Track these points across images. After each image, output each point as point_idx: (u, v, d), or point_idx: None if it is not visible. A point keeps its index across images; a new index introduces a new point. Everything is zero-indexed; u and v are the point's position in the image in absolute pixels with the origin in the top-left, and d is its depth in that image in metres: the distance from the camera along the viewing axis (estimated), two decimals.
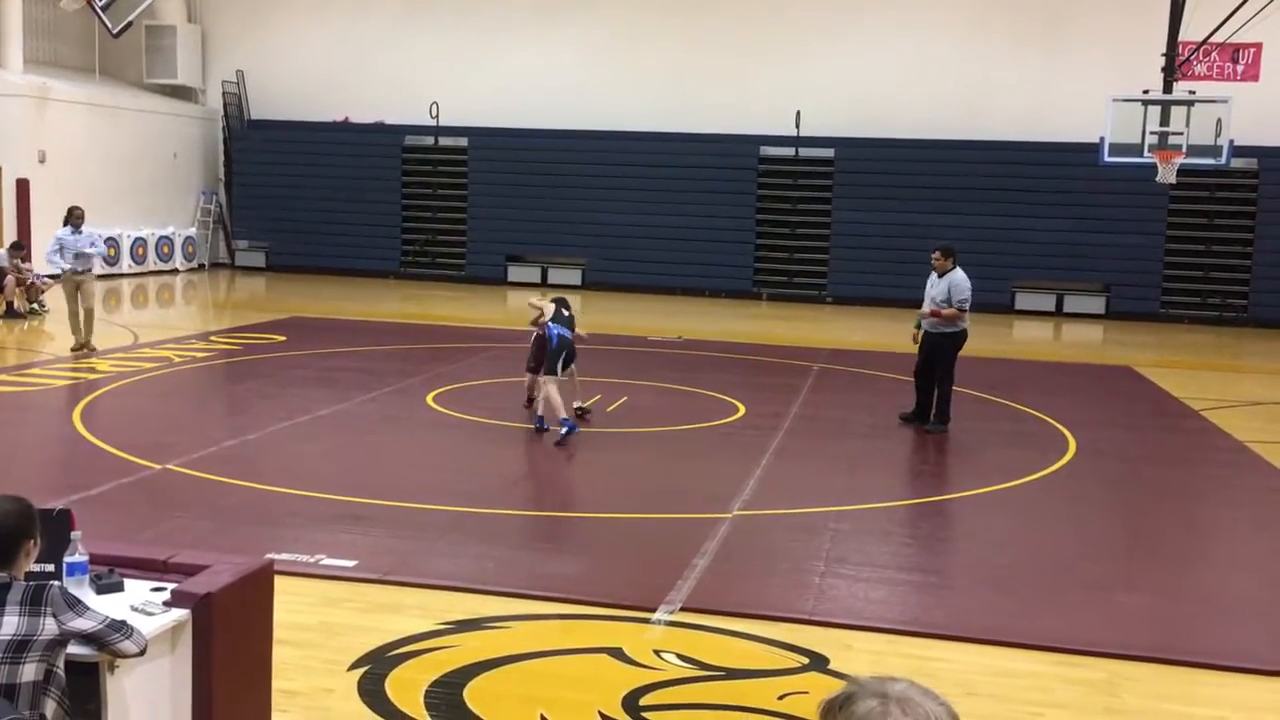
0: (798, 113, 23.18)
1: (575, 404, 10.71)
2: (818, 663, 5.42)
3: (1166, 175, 16.44)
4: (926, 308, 10.92)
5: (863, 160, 23.35)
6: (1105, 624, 6.10)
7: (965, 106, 22.94)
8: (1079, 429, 11.25)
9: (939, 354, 10.89)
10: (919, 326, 11.12)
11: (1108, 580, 6.94)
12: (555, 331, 10.40)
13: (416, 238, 25.79)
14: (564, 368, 10.37)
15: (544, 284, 24.83)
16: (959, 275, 10.76)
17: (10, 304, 16.99)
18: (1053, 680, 5.36)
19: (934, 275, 10.92)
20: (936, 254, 10.91)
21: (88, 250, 13.88)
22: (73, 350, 13.58)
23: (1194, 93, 16.69)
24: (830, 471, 9.46)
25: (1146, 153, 16.36)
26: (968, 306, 10.77)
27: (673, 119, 23.96)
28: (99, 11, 18.51)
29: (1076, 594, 6.62)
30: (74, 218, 14.01)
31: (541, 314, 10.79)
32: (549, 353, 10.29)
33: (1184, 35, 17.02)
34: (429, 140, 25.52)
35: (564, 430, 9.89)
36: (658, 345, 16.41)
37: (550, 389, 10.09)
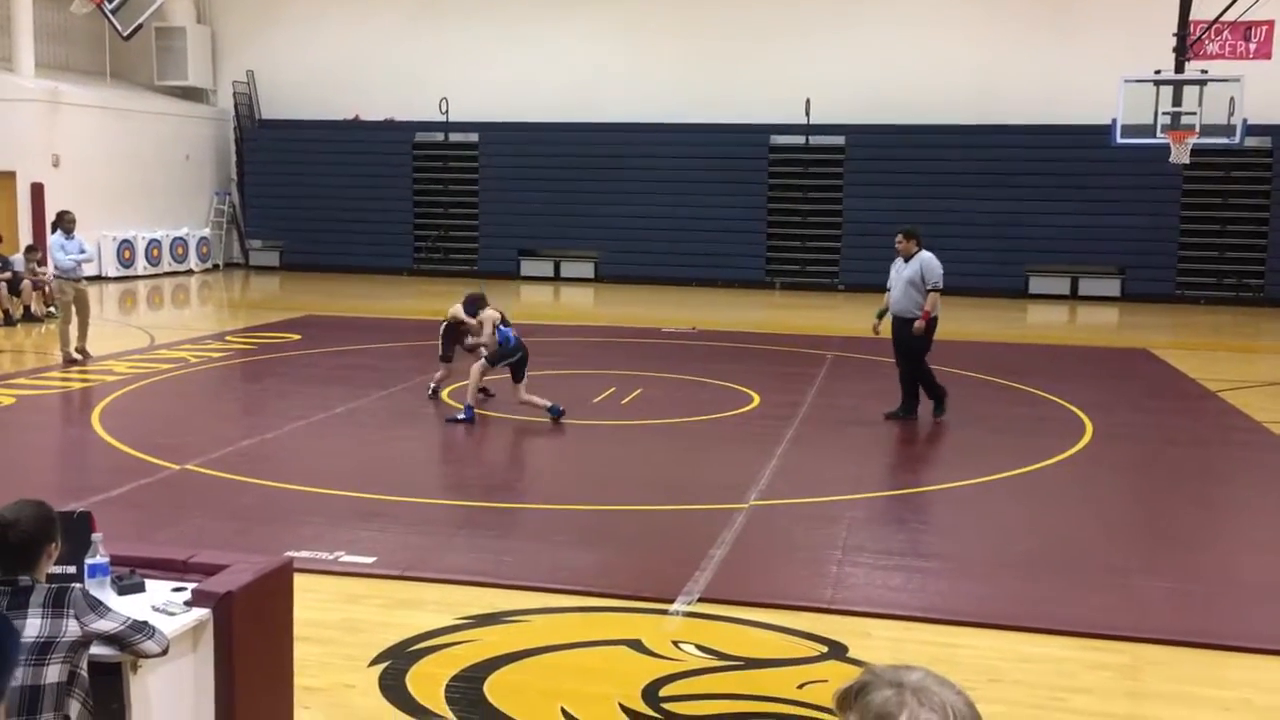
0: (807, 101, 23.10)
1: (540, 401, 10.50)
2: (837, 651, 5.42)
3: (1180, 156, 16.33)
4: (897, 293, 10.55)
5: (874, 147, 23.27)
6: (1127, 608, 6.09)
7: (976, 91, 22.83)
8: (1095, 412, 11.20)
9: (918, 340, 10.51)
10: (881, 317, 10.84)
11: (1128, 564, 6.92)
12: (510, 333, 10.55)
13: (429, 234, 25.84)
14: (518, 380, 10.46)
15: (557, 276, 24.85)
16: (928, 255, 10.44)
17: (27, 308, 17.08)
18: (1076, 665, 5.35)
19: (899, 260, 10.61)
20: (900, 238, 10.63)
21: (78, 257, 13.35)
22: (65, 362, 13.08)
23: (1206, 72, 16.57)
24: (846, 460, 9.44)
25: (1159, 133, 16.26)
26: (941, 285, 10.48)
27: (682, 110, 23.92)
28: (109, 15, 18.58)
29: (1097, 578, 6.60)
30: (65, 223, 13.51)
31: (479, 327, 10.77)
32: (502, 352, 10.42)
33: (1195, 14, 16.90)
34: (439, 136, 25.54)
35: (462, 416, 10.21)
36: (671, 336, 16.40)
37: (476, 371, 10.35)
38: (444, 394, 11.51)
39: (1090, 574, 6.67)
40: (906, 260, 10.54)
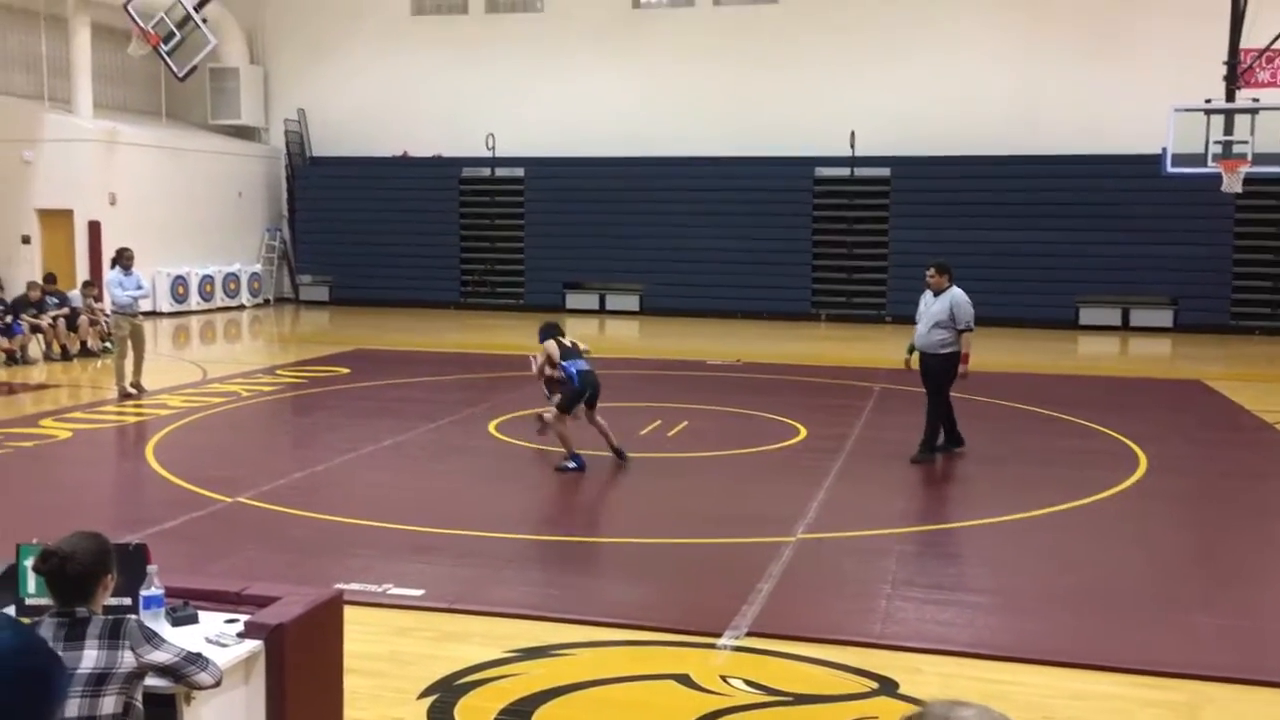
0: (852, 133, 23.10)
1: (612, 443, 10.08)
2: (887, 687, 5.36)
3: (1233, 185, 16.15)
4: (923, 328, 10.27)
5: (919, 179, 23.20)
6: (1184, 644, 5.97)
7: (1022, 121, 22.73)
8: (1148, 444, 11.03)
9: (944, 377, 10.24)
10: (912, 351, 10.46)
11: (1185, 599, 6.79)
12: (574, 370, 9.83)
13: (475, 268, 26.07)
14: (590, 407, 9.84)
15: (602, 309, 24.94)
16: (959, 293, 10.13)
17: (84, 343, 17.41)
18: (1133, 703, 5.25)
19: (928, 294, 10.32)
20: (931, 271, 10.32)
21: (135, 293, 13.59)
22: (121, 396, 13.28)
23: (1258, 100, 16.39)
24: (894, 493, 9.37)
25: (1211, 162, 16.09)
26: (973, 326, 10.20)
27: (726, 142, 24.01)
28: (165, 57, 19.00)
29: (1153, 614, 6.48)
30: (124, 259, 13.71)
31: (548, 358, 10.09)
32: (571, 394, 9.77)
33: (1245, 42, 16.75)
34: (486, 171, 25.82)
35: (571, 465, 9.67)
36: (717, 369, 16.38)
37: (562, 426, 9.69)
38: (491, 426, 11.57)
39: (1145, 609, 6.56)
40: (936, 294, 10.26)
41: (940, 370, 10.24)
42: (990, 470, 10.35)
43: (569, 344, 10.13)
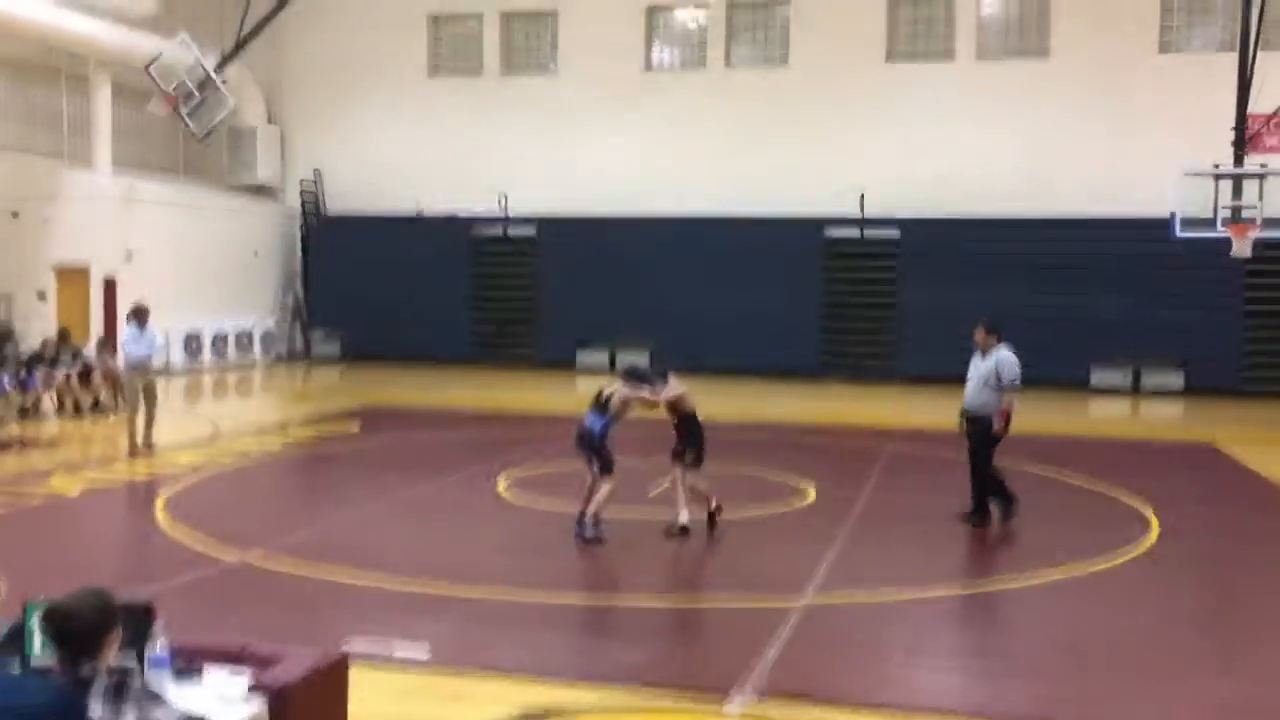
0: (861, 196, 23.26)
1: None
2: None
3: (1242, 250, 16.21)
4: (972, 389, 10.11)
5: (929, 240, 23.31)
6: (1201, 713, 5.89)
7: (1031, 183, 22.87)
8: (1160, 508, 10.96)
9: (986, 438, 10.07)
10: (965, 414, 10.23)
11: (1202, 666, 6.72)
12: (584, 422, 9.45)
13: (487, 326, 26.18)
14: (594, 466, 9.38)
15: (612, 368, 24.96)
16: (1006, 353, 10.02)
17: (97, 399, 17.48)
18: None
19: (977, 355, 10.19)
20: (980, 330, 10.19)
21: (148, 350, 13.70)
22: (132, 452, 13.29)
23: (1265, 165, 16.50)
24: (905, 556, 9.30)
25: (1220, 227, 16.16)
26: (1019, 384, 10.10)
27: (737, 203, 24.21)
28: (185, 118, 19.25)
29: (1171, 679, 6.40)
30: (139, 316, 13.77)
31: (649, 391, 9.55)
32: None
33: (1253, 108, 16.89)
34: (499, 230, 26.02)
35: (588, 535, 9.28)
36: (726, 428, 16.33)
37: (604, 488, 9.32)
38: (500, 485, 11.54)
39: (1162, 675, 6.48)
40: (984, 354, 10.15)
41: (984, 431, 10.04)
42: (1002, 535, 10.27)
43: (603, 397, 9.54)
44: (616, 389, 9.57)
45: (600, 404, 9.51)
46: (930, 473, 13.13)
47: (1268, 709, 6.03)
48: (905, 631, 7.17)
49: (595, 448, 9.44)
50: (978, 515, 10.27)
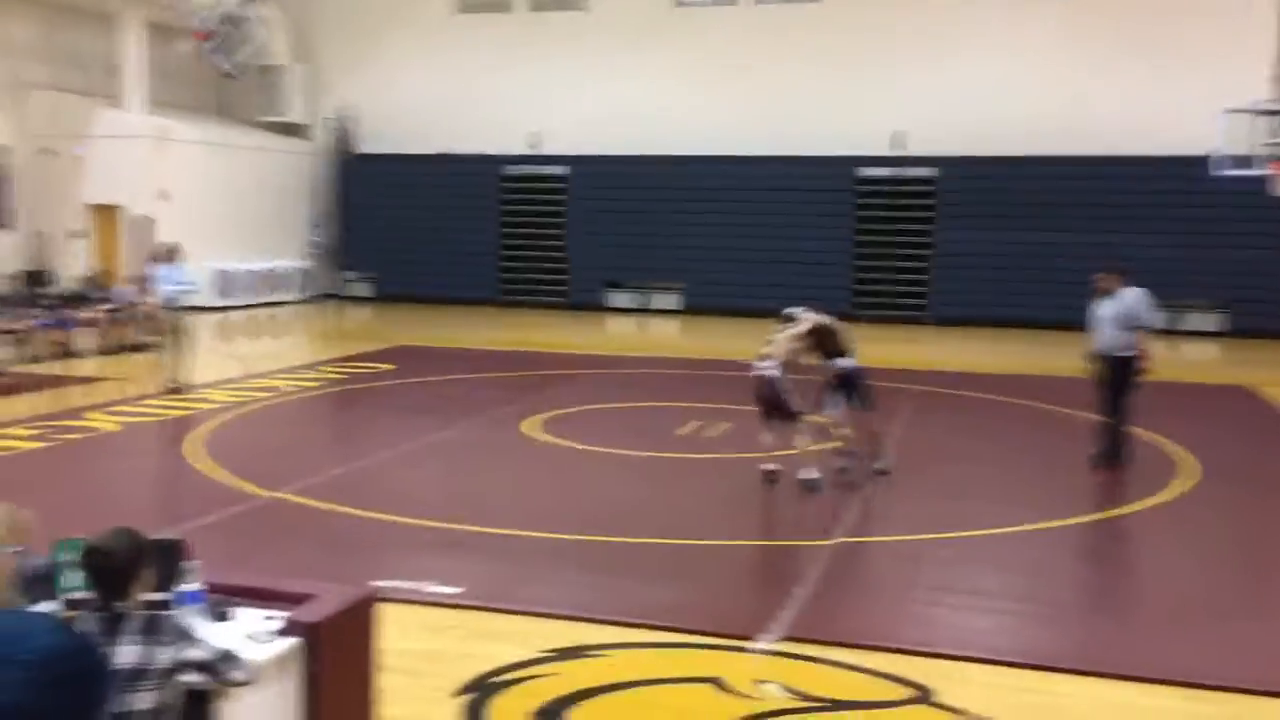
0: (894, 133, 22.92)
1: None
2: (924, 695, 5.30)
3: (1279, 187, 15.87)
4: (1107, 332, 9.98)
5: (965, 179, 22.98)
6: (1234, 657, 5.85)
7: (1069, 122, 22.42)
8: (1197, 451, 10.85)
9: (1128, 382, 9.96)
10: (1099, 358, 10.10)
11: (1236, 610, 6.66)
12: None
13: (517, 265, 26.14)
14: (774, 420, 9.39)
15: (642, 309, 24.92)
16: (1140, 293, 9.95)
17: (131, 338, 17.62)
18: (1181, 716, 5.15)
19: (1100, 300, 10.08)
20: (1105, 276, 10.08)
21: (180, 287, 13.80)
22: (166, 390, 13.42)
23: None
24: (935, 497, 9.27)
25: (1260, 165, 15.82)
26: (1153, 324, 10.08)
27: (768, 142, 23.91)
28: (213, 54, 19.15)
29: (1202, 625, 6.36)
30: (171, 254, 13.92)
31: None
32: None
33: None
34: (529, 169, 25.88)
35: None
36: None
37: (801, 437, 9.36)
38: (530, 424, 11.58)
39: (1195, 620, 6.44)
40: (1108, 297, 10.04)
41: (1124, 374, 9.96)
42: (1034, 476, 10.22)
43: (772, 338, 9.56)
44: (779, 336, 9.54)
45: (768, 354, 9.44)
46: (959, 413, 13.06)
47: None
48: (935, 572, 7.15)
49: (776, 401, 9.30)
50: (1112, 456, 10.08)
